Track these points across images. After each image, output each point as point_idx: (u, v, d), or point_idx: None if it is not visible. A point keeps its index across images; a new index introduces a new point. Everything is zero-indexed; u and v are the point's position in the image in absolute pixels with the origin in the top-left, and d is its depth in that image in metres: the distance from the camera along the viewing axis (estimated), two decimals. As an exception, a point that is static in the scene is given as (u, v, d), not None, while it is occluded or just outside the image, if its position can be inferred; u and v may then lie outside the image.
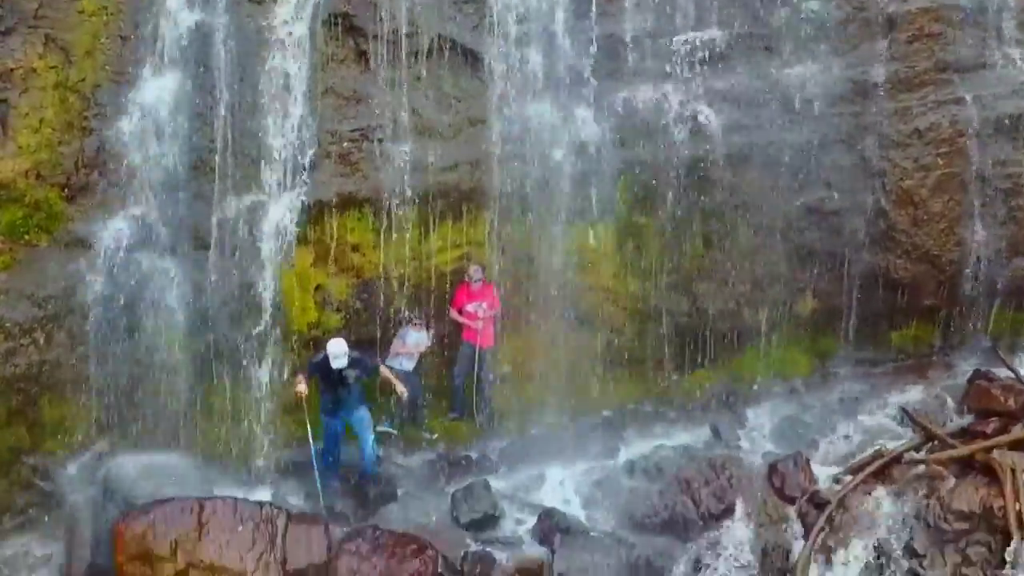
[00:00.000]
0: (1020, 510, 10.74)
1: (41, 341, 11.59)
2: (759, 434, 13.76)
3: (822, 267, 14.26)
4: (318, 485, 12.45)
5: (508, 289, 13.72)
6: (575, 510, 12.78)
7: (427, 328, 13.46)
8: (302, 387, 12.17)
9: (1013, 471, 10.95)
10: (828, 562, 11.23)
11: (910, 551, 10.92)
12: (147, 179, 12.02)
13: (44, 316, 11.61)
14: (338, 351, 12.15)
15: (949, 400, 13.38)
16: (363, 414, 12.59)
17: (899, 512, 11.29)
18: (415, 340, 13.39)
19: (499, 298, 13.58)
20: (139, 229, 11.99)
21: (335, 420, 12.57)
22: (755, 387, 14.57)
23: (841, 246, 14.15)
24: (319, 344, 13.05)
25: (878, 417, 13.68)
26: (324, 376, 12.32)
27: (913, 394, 13.78)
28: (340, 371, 12.20)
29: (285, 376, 12.71)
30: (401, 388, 12.66)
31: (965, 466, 11.58)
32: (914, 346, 14.76)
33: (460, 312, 13.58)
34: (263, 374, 12.71)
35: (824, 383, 14.54)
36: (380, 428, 13.33)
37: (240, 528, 11.02)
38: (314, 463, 12.59)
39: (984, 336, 14.59)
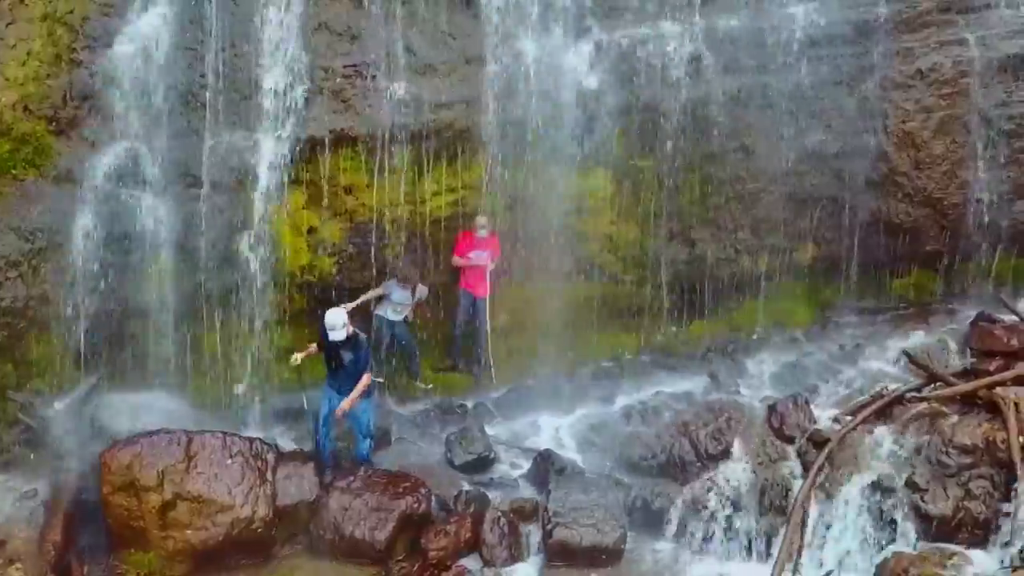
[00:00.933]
0: (1024, 443, 10.54)
1: (28, 275, 11.35)
2: (758, 380, 13.60)
3: (823, 212, 14.07)
4: (310, 430, 12.23)
5: (503, 236, 13.52)
6: (571, 454, 12.61)
7: (413, 289, 13.15)
8: (298, 356, 11.60)
9: (1017, 405, 10.75)
10: (828, 499, 11.00)
11: (912, 485, 10.71)
12: (136, 114, 11.76)
13: (31, 249, 11.34)
14: (334, 322, 11.24)
15: (951, 344, 13.23)
16: (360, 412, 11.68)
17: (900, 449, 11.07)
18: (400, 298, 13.10)
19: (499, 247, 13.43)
20: (128, 164, 11.76)
21: (331, 393, 11.66)
22: (754, 337, 14.44)
23: (842, 190, 13.96)
24: (312, 289, 12.90)
25: (879, 363, 13.52)
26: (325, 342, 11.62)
27: (915, 339, 13.62)
28: (336, 346, 11.45)
29: (268, 315, 12.47)
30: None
31: (967, 404, 11.37)
32: (916, 294, 14.59)
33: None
34: (254, 317, 12.48)
35: (824, 332, 14.40)
36: (369, 378, 13.12)
37: (229, 462, 10.80)
38: (305, 407, 12.38)
39: (987, 282, 14.38)
